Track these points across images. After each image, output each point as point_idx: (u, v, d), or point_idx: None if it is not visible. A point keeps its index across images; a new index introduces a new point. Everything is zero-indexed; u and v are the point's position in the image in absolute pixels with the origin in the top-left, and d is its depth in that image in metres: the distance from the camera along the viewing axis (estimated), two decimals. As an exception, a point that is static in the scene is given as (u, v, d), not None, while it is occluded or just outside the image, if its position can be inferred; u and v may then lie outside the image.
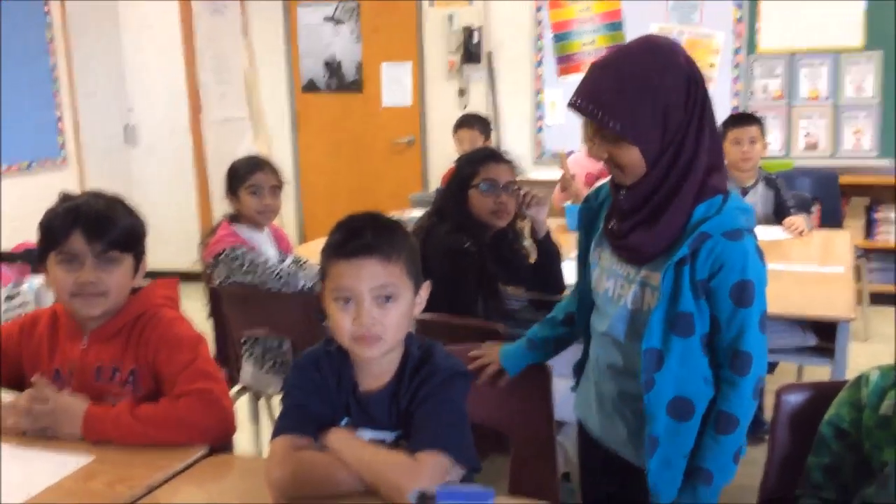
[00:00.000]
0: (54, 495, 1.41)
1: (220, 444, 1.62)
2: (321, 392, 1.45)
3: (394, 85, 6.02)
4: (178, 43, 6.02)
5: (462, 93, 5.77)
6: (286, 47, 6.21)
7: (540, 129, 5.68)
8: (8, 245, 5.50)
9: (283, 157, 6.19)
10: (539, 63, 5.60)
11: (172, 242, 5.71)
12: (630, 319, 1.62)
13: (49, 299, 5.23)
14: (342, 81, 6.17)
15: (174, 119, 6.11)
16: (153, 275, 1.82)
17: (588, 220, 1.76)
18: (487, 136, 4.46)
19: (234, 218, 2.85)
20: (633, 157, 1.52)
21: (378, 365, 1.44)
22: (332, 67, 6.16)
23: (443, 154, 5.84)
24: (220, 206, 3.48)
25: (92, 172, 6.26)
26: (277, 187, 2.86)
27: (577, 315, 1.82)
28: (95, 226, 1.62)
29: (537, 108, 5.67)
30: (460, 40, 5.65)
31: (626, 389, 1.66)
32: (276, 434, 1.43)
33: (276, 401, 2.95)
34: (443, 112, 5.81)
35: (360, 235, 1.38)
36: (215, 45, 6.13)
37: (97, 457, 1.53)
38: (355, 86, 6.14)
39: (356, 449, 1.38)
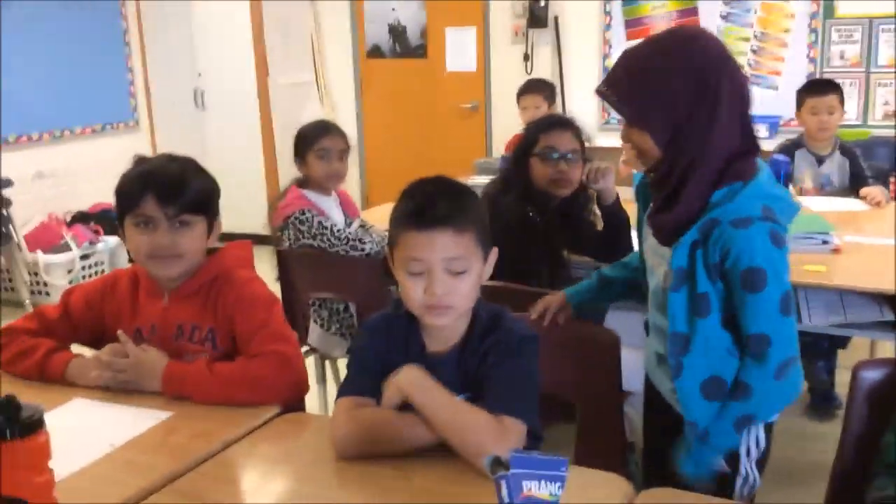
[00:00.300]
0: (138, 447, 1.47)
1: (293, 404, 1.66)
2: (388, 356, 1.46)
3: (458, 50, 5.99)
4: (245, 7, 6.07)
5: (527, 57, 5.71)
6: (351, 11, 6.22)
7: (606, 96, 5.59)
8: (83, 205, 5.67)
9: (346, 121, 6.23)
10: (607, 27, 5.50)
11: (240, 206, 5.81)
12: (660, 293, 1.67)
13: (123, 259, 5.38)
14: (406, 46, 6.16)
15: (242, 83, 6.19)
16: (223, 237, 1.86)
17: (645, 194, 1.78)
18: (552, 102, 4.41)
19: (303, 182, 2.89)
20: (646, 141, 1.59)
21: (447, 328, 1.46)
22: (397, 32, 6.15)
23: (507, 120, 5.80)
24: (288, 170, 3.53)
25: (162, 135, 6.39)
26: (345, 151, 2.88)
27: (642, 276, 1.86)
28: (168, 190, 1.65)
29: (604, 72, 5.56)
30: (526, 4, 5.58)
31: (661, 350, 1.70)
32: (340, 395, 1.46)
33: (342, 363, 3.02)
34: (507, 77, 5.75)
35: (432, 205, 1.37)
36: (281, 10, 6.16)
37: (176, 412, 1.58)
38: (420, 51, 6.12)
39: (437, 398, 1.37)
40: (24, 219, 5.04)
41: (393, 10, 6.09)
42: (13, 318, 5.51)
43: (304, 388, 1.68)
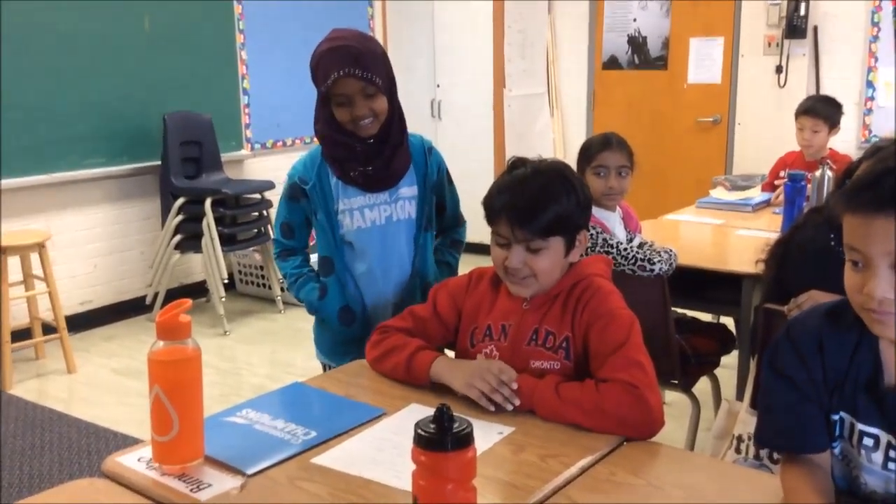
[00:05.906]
0: (488, 461, 1.42)
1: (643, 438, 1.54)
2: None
3: (702, 61, 5.75)
4: (488, 20, 6.13)
5: (780, 70, 5.38)
6: (590, 22, 6.14)
7: (869, 111, 5.17)
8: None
9: (576, 134, 6.17)
10: (874, 38, 5.08)
11: (471, 215, 5.88)
12: None
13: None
14: (646, 57, 6.00)
15: (478, 95, 6.25)
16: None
17: None
18: (834, 126, 3.94)
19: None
20: None
21: None
22: (637, 43, 6.00)
23: (752, 135, 5.52)
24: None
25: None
26: (625, 167, 2.77)
27: None
28: None
29: (868, 87, 5.15)
30: (783, 13, 5.26)
31: None
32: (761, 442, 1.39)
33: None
34: (756, 90, 5.47)
35: (874, 185, 1.14)
36: (522, 21, 6.19)
37: (517, 428, 1.54)
38: (660, 62, 5.94)
39: None
40: (278, 219, 5.33)
41: (634, 20, 5.95)
42: (266, 313, 5.85)
43: (656, 426, 1.52)
